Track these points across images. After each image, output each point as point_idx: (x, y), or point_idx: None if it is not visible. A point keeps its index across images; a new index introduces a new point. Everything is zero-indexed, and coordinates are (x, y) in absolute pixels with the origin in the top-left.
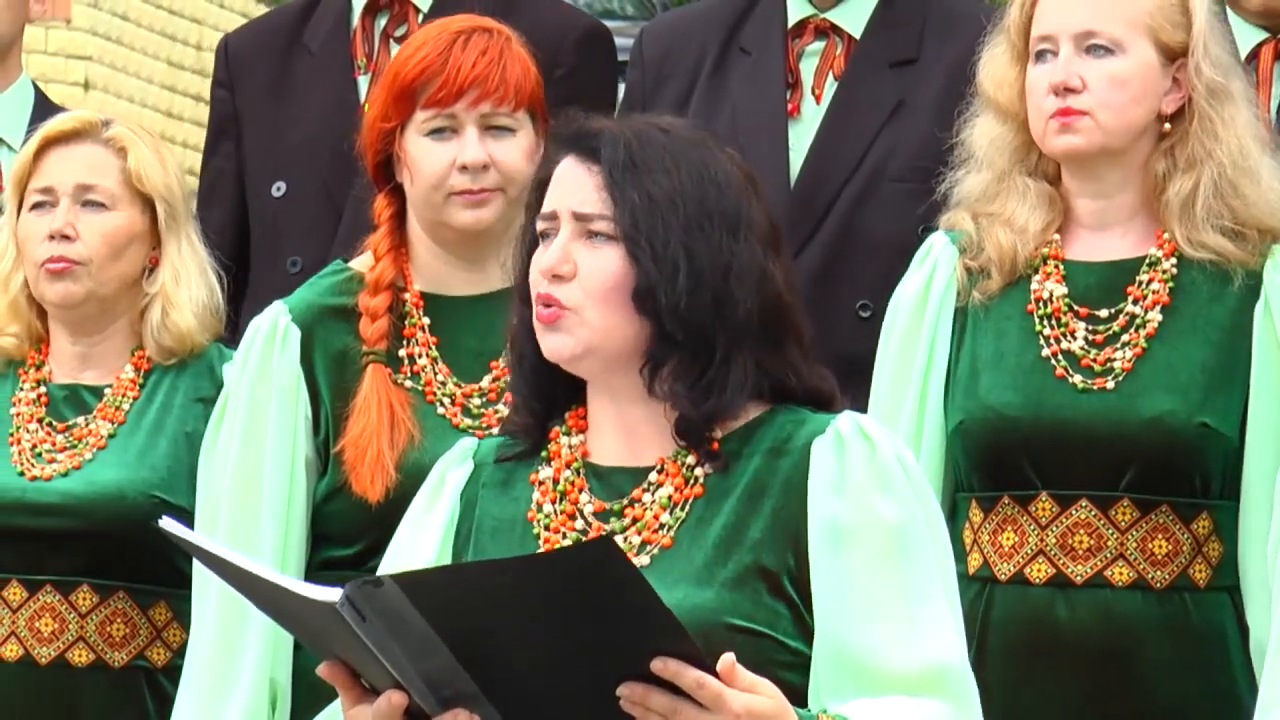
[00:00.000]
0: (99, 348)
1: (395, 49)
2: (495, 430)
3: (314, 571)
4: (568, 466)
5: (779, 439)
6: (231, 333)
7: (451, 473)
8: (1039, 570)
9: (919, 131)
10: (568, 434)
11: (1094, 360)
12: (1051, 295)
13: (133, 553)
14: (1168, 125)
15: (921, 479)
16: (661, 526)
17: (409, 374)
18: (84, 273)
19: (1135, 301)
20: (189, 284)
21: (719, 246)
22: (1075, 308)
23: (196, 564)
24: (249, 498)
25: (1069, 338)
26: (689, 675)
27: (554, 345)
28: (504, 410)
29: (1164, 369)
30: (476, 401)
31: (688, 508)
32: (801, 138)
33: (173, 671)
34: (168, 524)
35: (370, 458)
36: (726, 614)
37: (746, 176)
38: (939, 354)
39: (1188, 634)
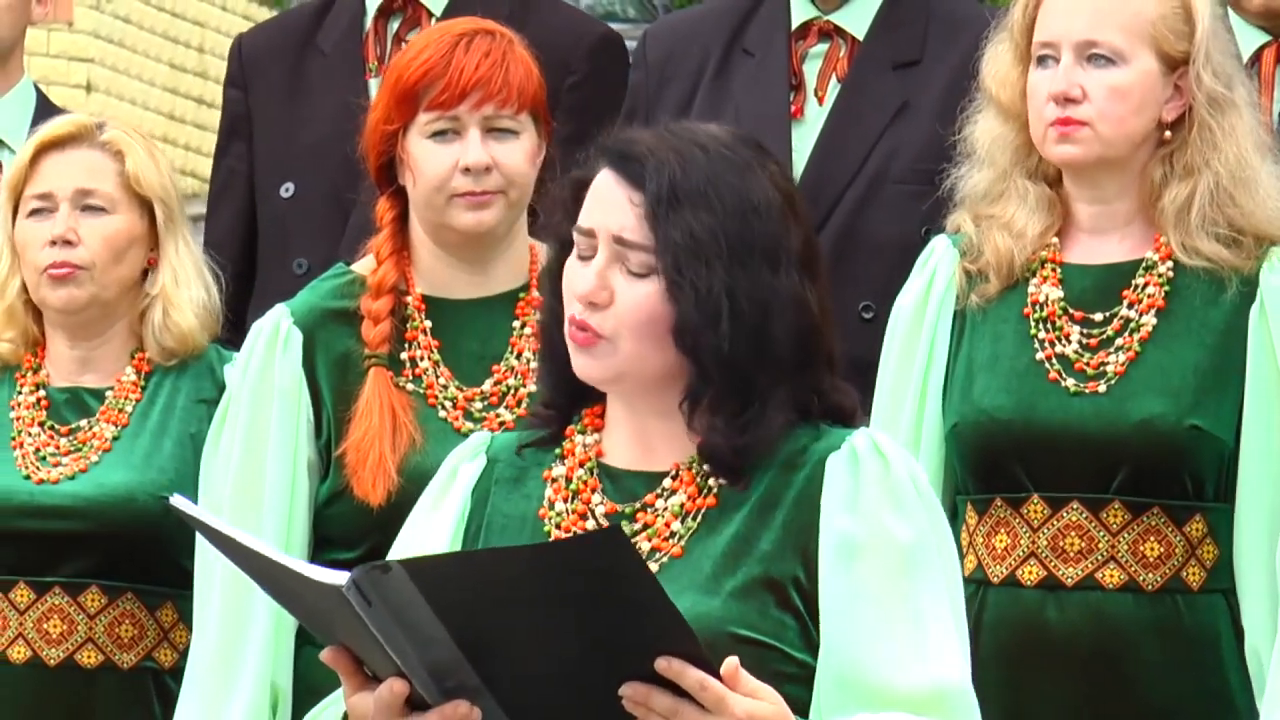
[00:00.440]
0: (98, 351)
1: None
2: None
3: None
4: (581, 465)
5: (793, 453)
6: (239, 334)
7: (464, 467)
8: (1030, 572)
9: (922, 133)
10: (583, 432)
11: (1087, 364)
12: (1047, 299)
13: (141, 554)
14: (1168, 133)
15: (933, 498)
16: (672, 535)
17: (411, 377)
18: (87, 277)
19: (1130, 305)
20: (188, 284)
21: (760, 283)
22: (1070, 311)
23: (199, 566)
24: (251, 500)
25: (1063, 341)
26: (692, 676)
27: (586, 368)
28: (506, 415)
29: (1156, 372)
30: (478, 405)
31: (699, 517)
32: (804, 139)
33: (179, 673)
34: (178, 502)
35: (372, 461)
36: (732, 624)
37: (786, 197)
38: (938, 357)
39: (1179, 636)
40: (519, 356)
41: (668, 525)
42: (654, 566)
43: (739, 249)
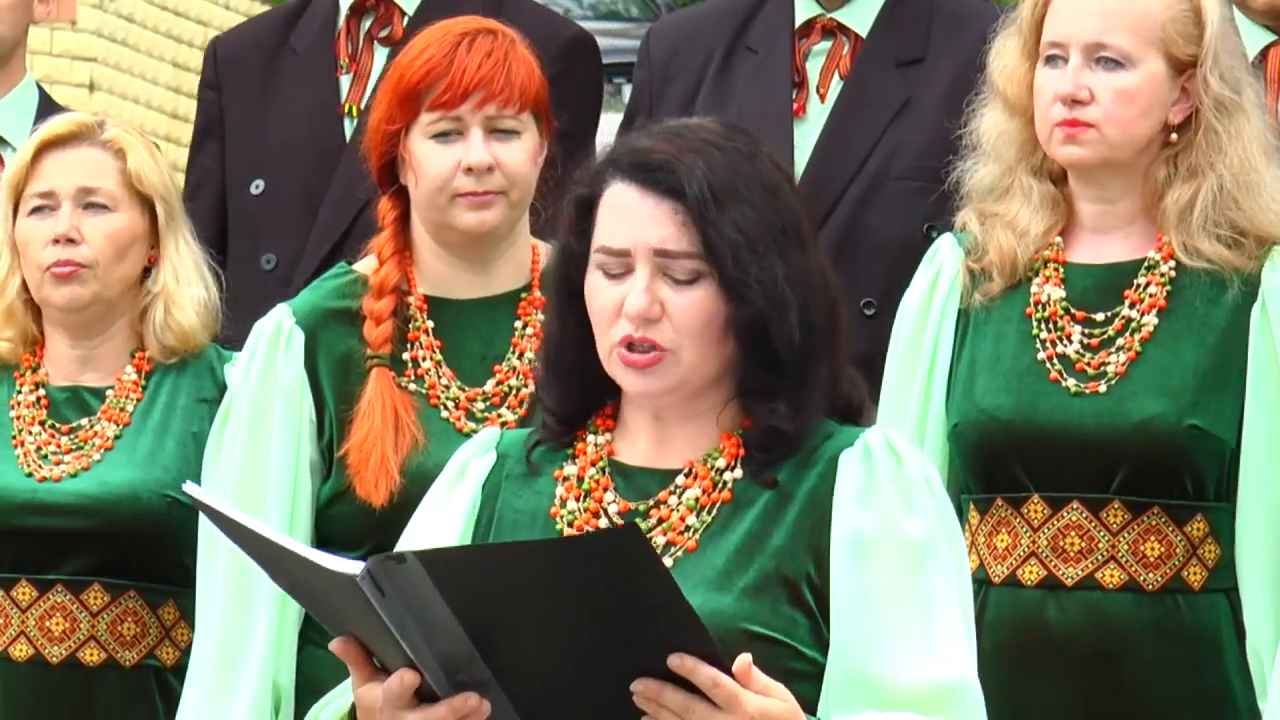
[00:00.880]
0: (99, 350)
1: (379, 50)
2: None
3: None
4: (593, 464)
5: (807, 450)
6: None
7: (474, 462)
8: (1031, 572)
9: (924, 130)
10: (594, 432)
11: (1088, 364)
12: (1049, 299)
13: (144, 552)
14: (1173, 135)
15: (945, 498)
16: (687, 529)
17: (413, 377)
18: (90, 275)
19: (1132, 305)
20: (189, 282)
21: (799, 264)
22: (1072, 311)
23: (202, 564)
24: (253, 500)
25: (1065, 341)
26: (704, 673)
27: (648, 385)
28: (508, 414)
29: (1157, 372)
30: (480, 405)
31: (714, 512)
32: (806, 137)
33: (181, 670)
34: (191, 488)
35: (374, 462)
36: (745, 620)
37: (787, 177)
38: (942, 355)
39: (1180, 635)
40: (521, 356)
41: (682, 519)
42: (668, 561)
43: (778, 235)
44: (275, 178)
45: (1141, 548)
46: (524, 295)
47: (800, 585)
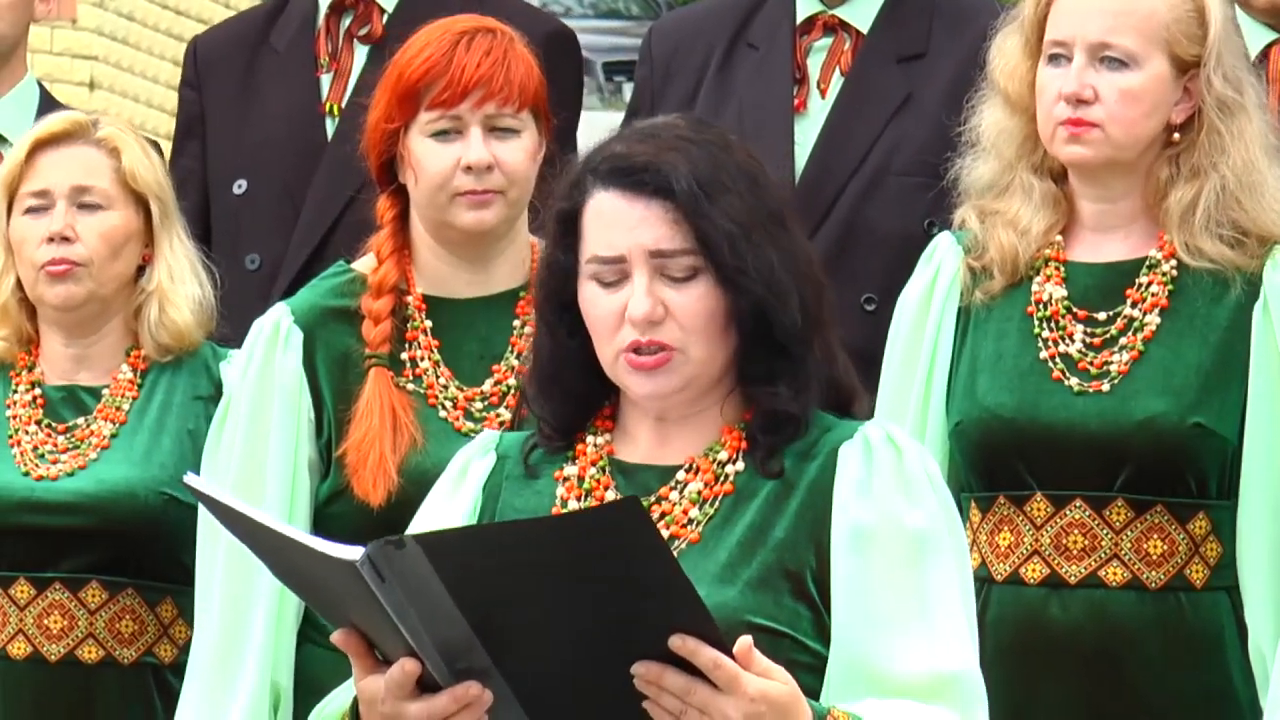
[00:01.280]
0: (94, 349)
1: (358, 48)
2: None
3: None
4: (593, 464)
5: (807, 442)
6: None
7: (475, 463)
8: (1034, 570)
9: (925, 126)
10: (593, 433)
11: (1090, 363)
12: (1051, 298)
13: (142, 550)
14: (1176, 135)
15: (945, 490)
16: (690, 522)
17: (411, 377)
18: (85, 274)
19: (1134, 304)
20: (184, 280)
21: (786, 247)
22: (1074, 310)
23: (200, 562)
24: (251, 499)
25: (1067, 340)
26: (705, 654)
27: (658, 387)
28: (506, 414)
29: (1159, 371)
30: (479, 405)
31: (717, 504)
32: (807, 133)
33: (180, 668)
34: (191, 479)
35: (372, 462)
36: (748, 613)
37: (757, 161)
38: (942, 354)
39: (1182, 634)
40: (519, 356)
41: (685, 512)
42: None
43: (767, 222)
44: (257, 177)
45: (1144, 546)
46: (522, 294)
47: (803, 577)
